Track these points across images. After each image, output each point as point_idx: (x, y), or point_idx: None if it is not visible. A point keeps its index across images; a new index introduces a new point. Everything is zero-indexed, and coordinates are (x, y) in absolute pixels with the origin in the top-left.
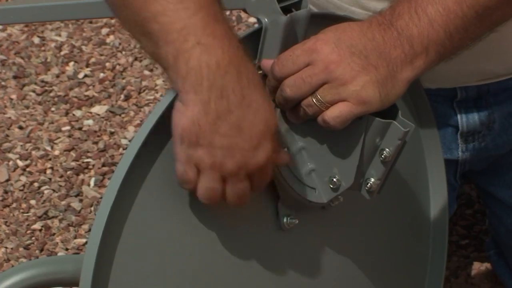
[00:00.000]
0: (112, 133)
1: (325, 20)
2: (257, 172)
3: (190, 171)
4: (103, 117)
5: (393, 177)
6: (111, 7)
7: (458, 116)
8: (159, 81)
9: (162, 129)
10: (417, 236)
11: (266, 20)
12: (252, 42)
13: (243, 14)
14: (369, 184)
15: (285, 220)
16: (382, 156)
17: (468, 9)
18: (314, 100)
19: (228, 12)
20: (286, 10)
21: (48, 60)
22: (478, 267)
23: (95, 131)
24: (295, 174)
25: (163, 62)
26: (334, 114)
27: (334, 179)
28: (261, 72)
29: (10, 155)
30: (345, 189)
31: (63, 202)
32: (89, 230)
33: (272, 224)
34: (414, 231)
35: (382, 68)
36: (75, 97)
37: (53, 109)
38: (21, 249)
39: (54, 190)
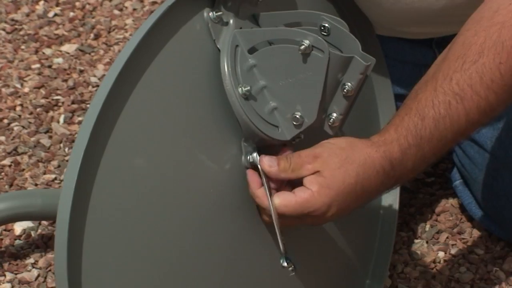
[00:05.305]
0: (81, 71)
1: None
2: None
3: None
4: (72, 56)
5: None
6: None
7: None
8: (129, 21)
9: (133, 67)
10: None
11: None
12: None
13: None
14: (331, 119)
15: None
16: (345, 90)
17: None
18: None
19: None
20: None
21: None
22: (444, 204)
23: (65, 69)
24: (257, 112)
25: None
26: None
27: (297, 116)
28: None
29: None
30: (308, 126)
31: (33, 139)
32: (58, 166)
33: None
34: None
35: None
36: (45, 35)
37: (23, 47)
38: None
39: (23, 127)
